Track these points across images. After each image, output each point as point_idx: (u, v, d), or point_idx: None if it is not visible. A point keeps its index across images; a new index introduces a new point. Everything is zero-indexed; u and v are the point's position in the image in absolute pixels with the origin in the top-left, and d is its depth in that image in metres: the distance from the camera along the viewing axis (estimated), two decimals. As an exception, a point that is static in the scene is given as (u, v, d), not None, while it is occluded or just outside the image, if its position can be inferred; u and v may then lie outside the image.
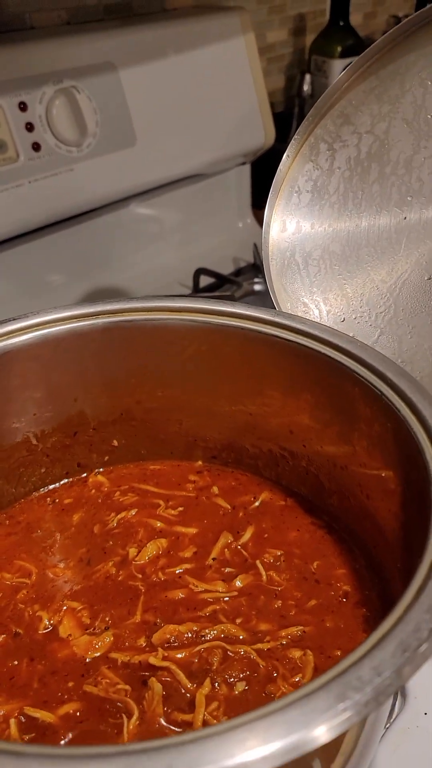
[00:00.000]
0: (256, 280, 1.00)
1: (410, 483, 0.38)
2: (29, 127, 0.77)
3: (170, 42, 0.89)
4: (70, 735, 0.37)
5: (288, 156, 0.52)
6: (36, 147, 0.77)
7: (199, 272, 0.98)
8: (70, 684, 0.40)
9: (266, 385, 0.49)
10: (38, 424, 0.50)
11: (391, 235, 0.49)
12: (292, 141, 0.52)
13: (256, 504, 0.52)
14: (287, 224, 0.52)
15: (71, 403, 0.50)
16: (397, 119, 0.51)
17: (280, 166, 0.52)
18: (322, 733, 0.23)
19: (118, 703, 0.39)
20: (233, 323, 0.47)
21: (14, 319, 0.46)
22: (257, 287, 0.99)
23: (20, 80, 0.75)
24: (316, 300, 0.50)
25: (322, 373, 0.45)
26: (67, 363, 0.48)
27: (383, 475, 0.42)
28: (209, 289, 0.98)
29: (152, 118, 0.88)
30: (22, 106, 0.76)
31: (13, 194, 0.76)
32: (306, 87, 1.20)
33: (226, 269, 1.04)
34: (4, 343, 0.45)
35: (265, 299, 0.96)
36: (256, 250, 1.04)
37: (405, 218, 0.49)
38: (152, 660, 0.40)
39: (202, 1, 1.05)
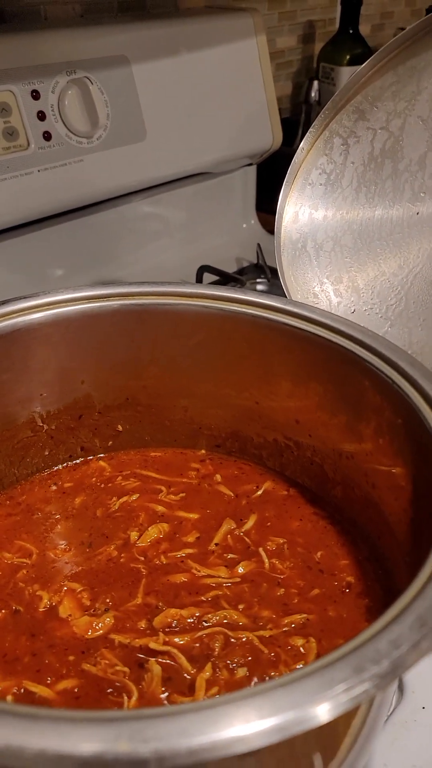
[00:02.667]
0: (258, 280, 1.00)
1: (420, 471, 0.38)
2: (41, 115, 0.77)
3: (183, 40, 0.90)
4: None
5: (302, 149, 0.52)
6: (47, 136, 0.77)
7: (202, 270, 0.98)
8: (70, 661, 0.40)
9: (274, 374, 0.49)
10: (44, 405, 0.50)
11: (404, 230, 0.50)
12: (308, 134, 0.52)
13: (259, 493, 0.52)
14: (299, 215, 0.52)
15: (78, 385, 0.50)
16: (412, 116, 0.52)
17: (295, 158, 0.52)
18: (330, 708, 0.23)
19: (117, 683, 0.39)
20: (244, 310, 0.47)
21: (26, 297, 0.46)
22: (260, 287, 0.99)
23: (34, 68, 0.75)
24: (326, 291, 0.50)
25: (332, 361, 0.45)
26: (76, 344, 0.48)
27: (391, 463, 0.42)
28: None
29: (163, 114, 0.89)
30: (35, 95, 0.76)
31: (21, 182, 0.76)
32: (313, 94, 1.21)
33: (229, 269, 1.04)
34: (15, 320, 0.45)
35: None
36: (260, 251, 1.05)
37: (417, 213, 0.50)
38: (153, 645, 0.40)
39: (215, 2, 1.06)
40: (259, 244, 1.05)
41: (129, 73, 0.84)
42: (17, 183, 0.76)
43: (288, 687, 0.23)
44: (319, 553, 0.46)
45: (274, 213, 1.26)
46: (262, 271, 1.02)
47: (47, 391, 0.49)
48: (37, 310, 0.46)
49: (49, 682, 0.39)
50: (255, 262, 1.06)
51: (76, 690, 0.38)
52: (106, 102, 0.82)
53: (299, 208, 0.51)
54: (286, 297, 0.50)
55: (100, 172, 0.83)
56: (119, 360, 0.50)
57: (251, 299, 0.47)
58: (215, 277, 0.99)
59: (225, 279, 0.97)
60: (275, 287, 0.97)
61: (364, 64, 0.50)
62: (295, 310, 0.46)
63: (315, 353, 0.46)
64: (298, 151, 0.52)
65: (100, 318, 0.48)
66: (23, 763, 0.21)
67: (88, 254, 0.94)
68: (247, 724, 0.22)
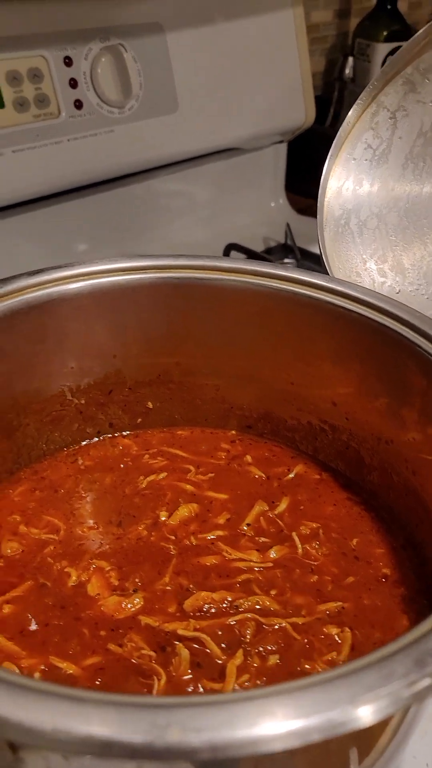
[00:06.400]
0: (287, 260, 0.98)
1: (468, 458, 0.37)
2: (73, 83, 0.75)
3: (218, 9, 0.87)
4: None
5: (348, 121, 0.50)
6: (78, 105, 0.75)
7: (230, 248, 0.96)
8: (97, 639, 0.39)
9: (313, 354, 0.47)
10: (75, 379, 0.48)
11: (453, 208, 0.48)
12: (354, 106, 0.50)
13: (291, 476, 0.50)
14: (343, 190, 0.50)
15: (110, 359, 0.49)
16: (465, 90, 0.49)
17: (339, 132, 0.50)
18: (389, 704, 0.22)
19: (144, 667, 0.38)
20: (284, 287, 0.46)
21: (62, 267, 0.44)
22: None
23: (67, 33, 0.73)
24: (370, 270, 0.48)
25: (375, 342, 0.43)
26: (110, 317, 0.47)
27: (435, 450, 0.41)
28: (239, 266, 0.96)
29: (195, 86, 0.86)
30: (67, 61, 0.74)
31: (51, 151, 0.74)
32: (348, 70, 1.18)
33: (256, 248, 1.02)
34: (50, 290, 0.43)
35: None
36: (288, 230, 1.02)
37: (468, 191, 0.47)
38: (181, 631, 0.39)
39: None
40: (288, 224, 1.02)
41: (163, 41, 0.82)
42: (47, 152, 0.74)
43: (346, 678, 0.22)
44: (354, 540, 0.45)
45: (302, 193, 1.23)
46: (291, 251, 1.00)
47: (79, 364, 0.48)
48: (72, 281, 0.44)
49: (75, 658, 0.38)
50: (283, 242, 1.03)
51: (102, 668, 0.37)
52: (139, 71, 0.80)
53: (343, 183, 0.49)
54: (327, 274, 0.49)
55: (130, 144, 0.81)
56: (153, 335, 0.49)
57: (292, 275, 0.46)
58: (243, 256, 0.97)
59: (253, 258, 0.96)
60: (303, 267, 0.95)
61: (416, 34, 0.48)
62: (338, 287, 0.45)
63: (358, 333, 0.44)
64: (344, 123, 0.50)
65: (136, 290, 0.46)
66: (70, 747, 0.20)
67: (113, 228, 0.93)
68: (305, 717, 0.21)
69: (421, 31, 0.48)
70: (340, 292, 0.44)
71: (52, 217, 0.85)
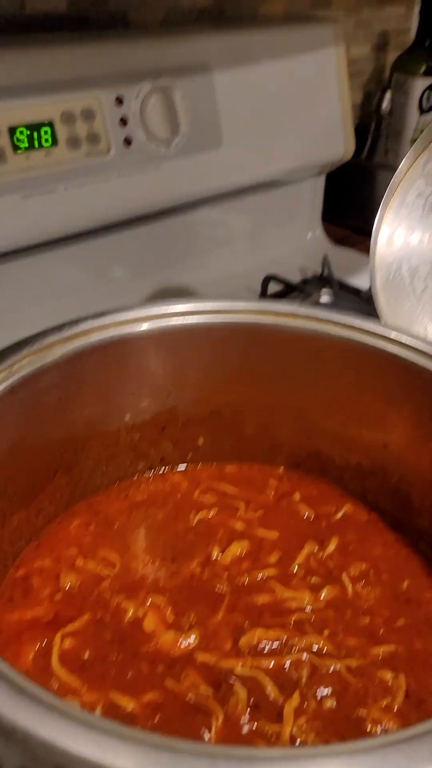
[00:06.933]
0: (323, 291, 0.99)
1: None
2: (123, 121, 0.77)
3: (263, 48, 0.89)
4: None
5: (401, 169, 0.52)
6: (127, 142, 0.78)
7: (268, 279, 0.97)
8: (155, 675, 0.40)
9: (366, 396, 0.48)
10: (131, 416, 0.50)
11: None
12: (408, 153, 0.51)
13: (339, 515, 0.51)
14: (394, 237, 0.51)
15: (165, 397, 0.50)
16: None
17: (394, 178, 0.51)
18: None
19: (201, 705, 0.39)
20: (339, 332, 0.47)
21: (125, 309, 0.46)
22: (324, 298, 0.98)
23: (120, 75, 0.76)
24: (422, 318, 0.49)
25: (428, 389, 0.44)
26: (168, 358, 0.48)
27: None
28: (276, 296, 0.98)
29: (239, 122, 0.89)
30: (119, 101, 0.76)
31: (100, 187, 0.77)
32: (385, 104, 1.20)
33: (294, 279, 1.03)
34: (113, 333, 0.45)
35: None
36: (326, 262, 1.04)
37: None
38: (239, 669, 0.40)
39: (293, 9, 1.06)
40: (325, 255, 1.04)
41: (210, 80, 0.84)
42: (96, 189, 0.76)
43: (406, 745, 0.23)
44: (406, 582, 0.46)
45: (339, 224, 1.24)
46: (328, 282, 1.01)
47: (136, 402, 0.49)
48: (134, 323, 0.46)
49: (133, 694, 0.39)
50: (320, 272, 1.05)
51: (160, 705, 0.38)
52: (187, 109, 0.82)
53: (394, 230, 0.51)
54: (379, 320, 0.50)
55: (176, 180, 0.84)
56: (209, 375, 0.50)
57: (347, 322, 0.47)
58: (280, 287, 0.98)
59: (290, 289, 0.97)
60: (340, 299, 0.96)
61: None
62: (390, 334, 0.46)
63: (411, 380, 0.45)
64: (398, 170, 0.51)
65: (194, 333, 0.48)
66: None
67: (152, 259, 0.95)
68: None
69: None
70: (392, 339, 0.45)
71: (94, 247, 0.87)
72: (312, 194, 1.08)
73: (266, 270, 1.00)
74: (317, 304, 0.95)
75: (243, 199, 1.00)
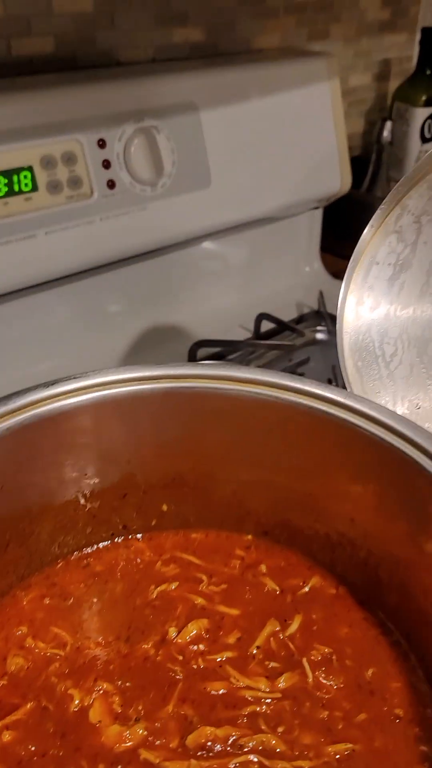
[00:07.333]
0: (318, 328, 0.97)
1: None
2: (106, 164, 0.76)
3: (254, 84, 0.88)
4: None
5: (372, 226, 0.49)
6: (111, 184, 0.77)
7: (261, 317, 0.95)
8: (97, 777, 0.38)
9: (331, 468, 0.46)
10: (89, 485, 0.48)
11: None
12: (378, 211, 0.49)
13: (306, 589, 0.49)
14: (365, 298, 0.49)
15: (123, 464, 0.48)
16: None
17: (363, 235, 0.49)
18: None
19: (144, 806, 0.36)
20: (302, 401, 0.45)
21: (75, 378, 0.44)
22: (319, 336, 0.96)
23: (103, 117, 0.75)
24: (390, 383, 0.47)
25: (392, 465, 0.42)
26: (123, 424, 0.47)
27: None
28: (270, 335, 0.96)
29: (229, 160, 0.87)
30: (101, 143, 0.75)
31: (84, 230, 0.76)
32: (386, 134, 1.17)
33: (290, 314, 1.01)
34: (63, 402, 0.43)
35: (326, 350, 0.93)
36: (321, 297, 1.02)
37: None
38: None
39: (288, 43, 1.04)
40: (321, 291, 1.02)
41: (197, 119, 0.83)
42: (80, 232, 0.75)
43: None
44: (370, 671, 0.43)
45: (338, 254, 1.22)
46: (323, 319, 0.99)
47: (93, 470, 0.48)
48: (85, 392, 0.44)
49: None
50: (316, 308, 1.03)
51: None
52: (173, 149, 0.81)
53: (365, 291, 0.48)
54: (346, 388, 0.47)
55: (162, 220, 0.82)
56: (167, 440, 0.48)
57: (309, 389, 0.45)
58: (273, 325, 0.96)
59: (282, 328, 0.95)
60: (334, 336, 0.94)
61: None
62: (355, 405, 0.43)
63: (375, 454, 0.43)
64: (367, 228, 0.49)
65: (149, 400, 0.46)
66: None
67: (146, 296, 0.93)
68: None
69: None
70: (356, 410, 0.43)
71: (87, 287, 0.86)
72: (309, 228, 1.06)
73: (262, 306, 0.98)
74: (312, 342, 0.93)
75: (237, 234, 0.98)
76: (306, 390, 0.45)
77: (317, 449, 0.46)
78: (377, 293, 0.49)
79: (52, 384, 0.44)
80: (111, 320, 0.90)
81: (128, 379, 0.45)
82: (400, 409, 0.47)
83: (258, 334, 0.95)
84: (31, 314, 0.82)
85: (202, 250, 0.97)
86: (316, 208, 1.05)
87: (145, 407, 0.46)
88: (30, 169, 0.72)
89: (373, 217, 0.49)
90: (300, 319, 1.01)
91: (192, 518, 0.52)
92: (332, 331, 0.96)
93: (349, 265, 0.48)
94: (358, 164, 1.13)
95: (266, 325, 0.97)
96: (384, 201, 0.49)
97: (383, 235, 0.50)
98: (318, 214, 1.07)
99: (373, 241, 0.50)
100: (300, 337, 0.93)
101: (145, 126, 0.78)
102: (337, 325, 0.47)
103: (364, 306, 0.49)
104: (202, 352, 0.88)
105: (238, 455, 0.49)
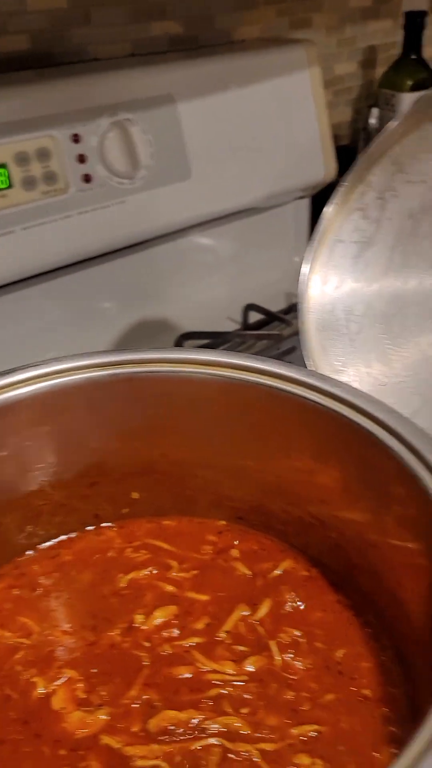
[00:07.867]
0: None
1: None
2: (81, 158, 0.76)
3: (233, 75, 0.88)
4: None
5: (335, 203, 0.49)
6: (87, 179, 0.76)
7: (249, 308, 0.95)
8: (55, 762, 0.37)
9: (295, 448, 0.45)
10: (54, 473, 0.48)
11: (442, 295, 0.45)
12: (339, 188, 0.49)
13: (277, 572, 0.48)
14: (329, 276, 0.48)
15: (89, 453, 0.48)
16: (456, 168, 0.47)
17: (324, 214, 0.49)
18: None
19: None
20: (262, 381, 0.44)
21: (34, 366, 0.44)
22: (308, 326, 0.95)
23: (76, 112, 0.75)
24: (355, 361, 0.46)
25: (355, 443, 0.41)
26: (86, 412, 0.46)
27: (419, 563, 0.38)
28: (258, 326, 0.95)
29: (209, 151, 0.87)
30: (75, 138, 0.75)
31: (61, 225, 0.76)
32: (373, 120, 1.16)
33: (279, 304, 1.01)
34: (20, 391, 0.43)
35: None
36: (310, 288, 1.01)
37: (459, 276, 0.45)
38: (140, 761, 0.37)
39: (269, 34, 1.04)
40: (309, 281, 1.01)
41: (174, 111, 0.82)
42: (57, 226, 0.75)
43: None
44: (341, 652, 0.42)
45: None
46: (312, 309, 0.98)
47: (57, 459, 0.47)
48: (43, 379, 0.44)
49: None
50: (305, 298, 1.02)
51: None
52: (150, 142, 0.80)
53: (330, 270, 0.48)
54: (307, 366, 0.47)
55: (142, 213, 0.82)
56: (133, 427, 0.48)
57: (270, 369, 0.44)
58: (261, 316, 0.96)
59: (270, 318, 0.94)
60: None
61: (403, 113, 0.47)
62: (316, 383, 0.43)
63: (337, 432, 0.42)
64: (328, 206, 0.48)
65: (111, 386, 0.46)
66: None
67: (134, 290, 0.93)
68: None
69: (407, 111, 0.47)
70: (317, 388, 0.42)
71: (75, 282, 0.86)
72: (296, 218, 1.06)
73: (250, 297, 0.98)
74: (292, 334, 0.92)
75: (224, 225, 0.98)
76: (267, 370, 0.44)
77: (281, 430, 0.45)
78: (342, 271, 0.48)
79: (8, 373, 0.44)
80: (98, 315, 0.90)
81: (87, 365, 0.45)
82: (365, 386, 0.46)
83: (246, 325, 0.95)
84: (16, 311, 0.82)
85: (189, 242, 0.96)
86: (302, 197, 1.04)
87: (108, 394, 0.46)
88: (4, 165, 0.72)
89: (335, 194, 0.49)
90: (288, 310, 1.00)
91: (166, 505, 0.52)
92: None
93: (309, 243, 0.47)
94: (347, 153, 1.12)
95: (254, 316, 0.96)
96: (346, 178, 0.49)
97: (347, 212, 0.49)
98: (304, 204, 1.06)
99: (337, 219, 0.49)
100: (288, 327, 0.93)
101: (119, 119, 0.78)
102: (299, 305, 0.47)
103: (328, 285, 0.48)
104: (189, 344, 0.88)
105: (207, 441, 0.48)
